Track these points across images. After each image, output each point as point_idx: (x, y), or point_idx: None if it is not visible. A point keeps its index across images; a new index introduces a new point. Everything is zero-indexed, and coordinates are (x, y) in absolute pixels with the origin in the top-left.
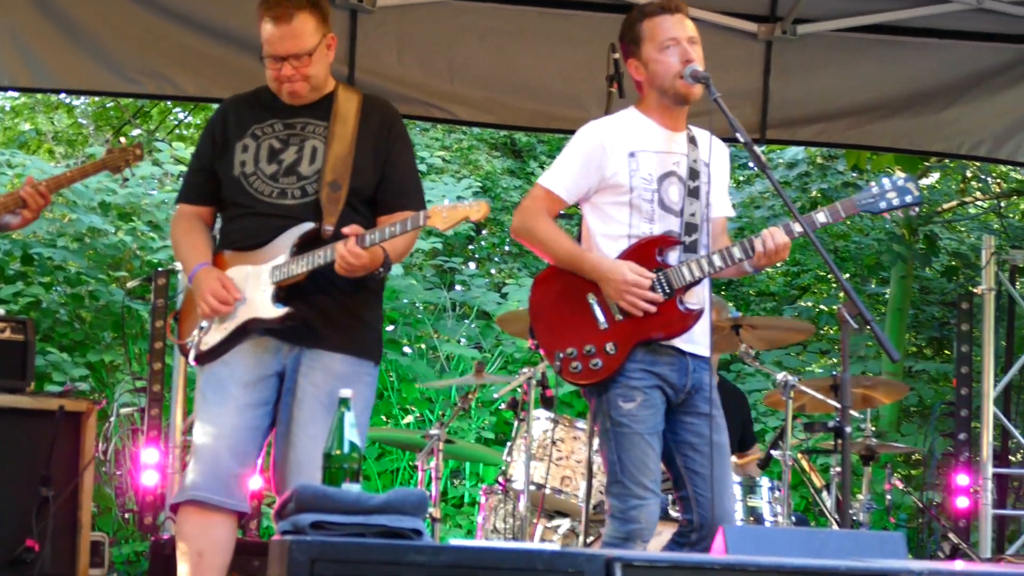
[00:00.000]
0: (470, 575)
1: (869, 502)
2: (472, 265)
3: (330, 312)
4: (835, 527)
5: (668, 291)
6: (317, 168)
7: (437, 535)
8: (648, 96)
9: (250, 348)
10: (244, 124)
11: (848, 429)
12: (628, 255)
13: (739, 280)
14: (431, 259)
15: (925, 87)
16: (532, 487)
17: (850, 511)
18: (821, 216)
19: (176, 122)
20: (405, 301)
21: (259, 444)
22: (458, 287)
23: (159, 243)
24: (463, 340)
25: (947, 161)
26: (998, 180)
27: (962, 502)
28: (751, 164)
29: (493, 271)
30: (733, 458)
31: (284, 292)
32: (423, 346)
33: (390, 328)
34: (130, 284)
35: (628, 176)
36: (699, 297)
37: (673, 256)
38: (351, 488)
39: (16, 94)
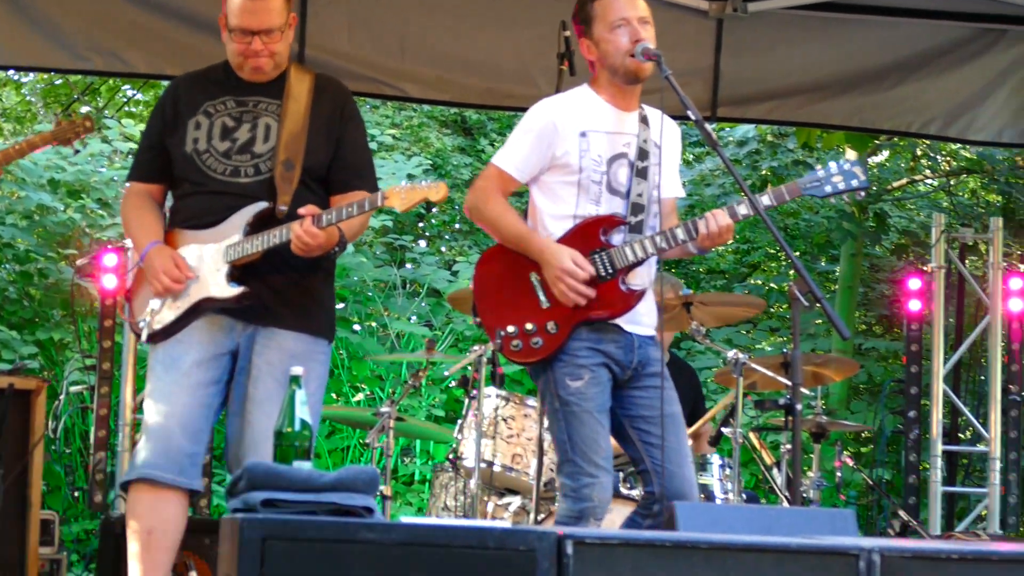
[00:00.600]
0: (421, 553)
1: (819, 479)
2: (422, 243)
3: (285, 291)
4: (785, 504)
5: (611, 271)
6: (271, 146)
7: (388, 513)
8: (600, 75)
9: (204, 326)
10: (196, 102)
11: (799, 406)
12: (573, 234)
13: (689, 258)
14: (381, 237)
15: (875, 65)
16: (483, 465)
17: (800, 488)
18: (765, 199)
19: (125, 100)
20: (355, 279)
21: (211, 422)
22: (408, 265)
23: (108, 220)
24: (413, 318)
25: (897, 139)
26: (948, 158)
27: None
28: (702, 142)
29: (444, 249)
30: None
31: (239, 271)
32: (373, 324)
33: (340, 306)
34: (79, 261)
35: (578, 156)
36: (642, 278)
37: (617, 237)
38: (302, 466)
39: None
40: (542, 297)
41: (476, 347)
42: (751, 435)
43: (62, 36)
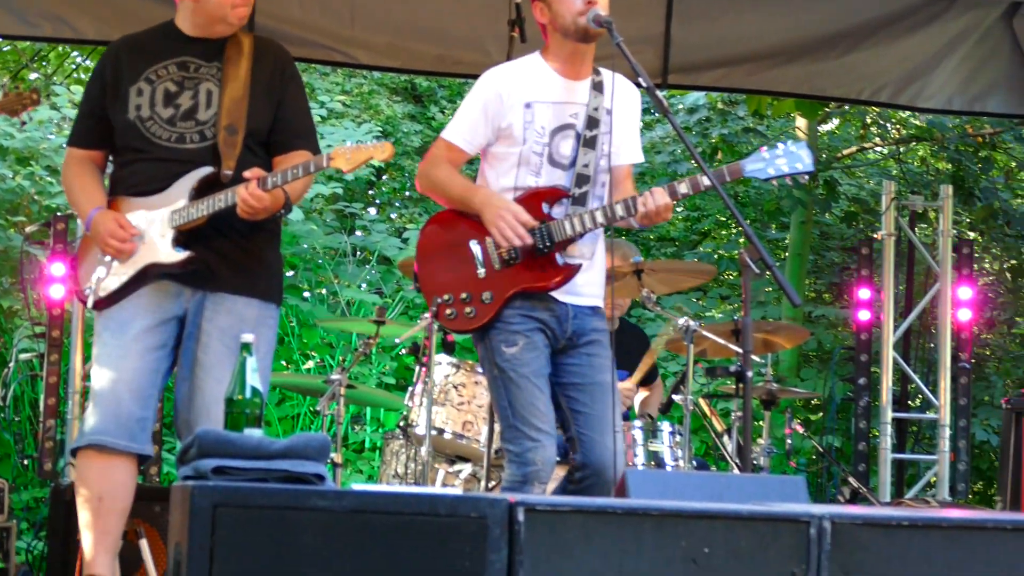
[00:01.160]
0: (372, 520)
1: (769, 446)
2: (372, 210)
3: (232, 255)
4: (736, 471)
5: (548, 244)
6: (214, 112)
7: (339, 480)
8: (552, 40)
9: (150, 292)
10: (137, 67)
11: (749, 374)
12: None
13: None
14: (331, 204)
15: (826, 32)
16: (433, 432)
17: (750, 455)
18: (706, 180)
19: (74, 66)
20: (305, 246)
21: (160, 388)
22: (358, 232)
23: (57, 188)
24: (364, 286)
25: (847, 107)
26: (897, 126)
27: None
28: (652, 109)
29: (394, 216)
30: (632, 391)
31: (184, 236)
32: (323, 291)
33: (290, 273)
34: (28, 229)
35: (522, 128)
36: (582, 251)
37: (560, 209)
38: (253, 433)
39: None
40: (479, 267)
41: (427, 314)
42: (701, 402)
43: (11, 2)
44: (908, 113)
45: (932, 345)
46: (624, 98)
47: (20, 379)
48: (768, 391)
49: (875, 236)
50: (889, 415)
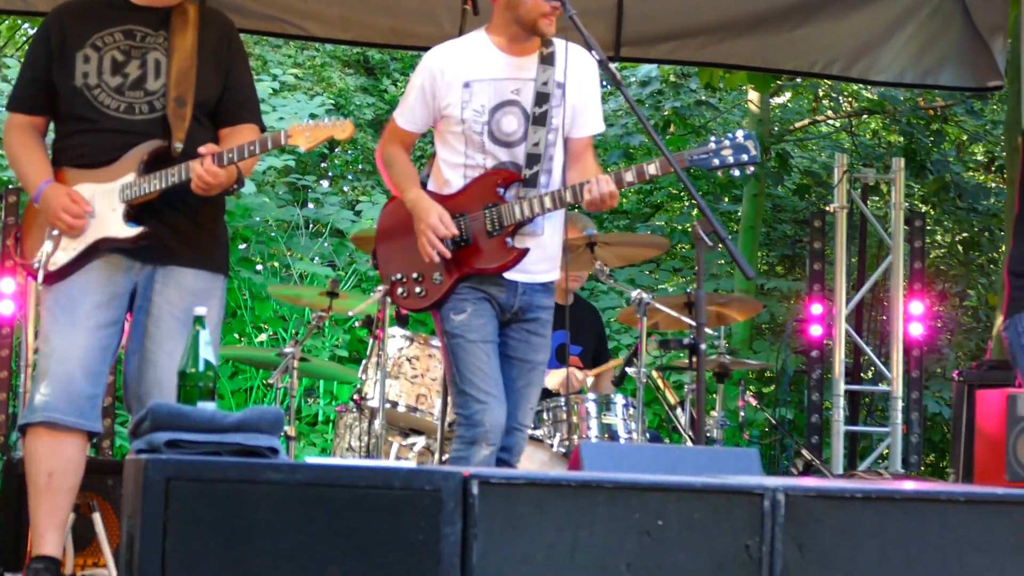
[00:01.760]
0: (326, 493)
1: (723, 419)
2: (325, 183)
3: (183, 229)
4: (689, 444)
5: (498, 228)
6: (163, 83)
7: (292, 453)
8: (498, 16)
9: (100, 267)
10: (83, 33)
11: (702, 346)
12: (471, 187)
13: None
14: (284, 177)
15: (778, 5)
16: (387, 405)
17: (704, 428)
18: (652, 168)
19: (25, 38)
20: (258, 219)
21: (110, 363)
22: (311, 205)
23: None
24: (316, 258)
25: (799, 80)
26: (849, 99)
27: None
28: (605, 82)
29: (347, 189)
30: (582, 375)
31: (135, 210)
32: (276, 264)
33: (243, 246)
34: None
35: (460, 108)
36: (533, 230)
37: (512, 192)
38: (206, 406)
39: None
40: None
41: (380, 287)
42: (655, 375)
43: None
44: (860, 86)
45: (884, 317)
46: (579, 68)
47: None
48: (721, 363)
49: (827, 209)
50: (842, 387)
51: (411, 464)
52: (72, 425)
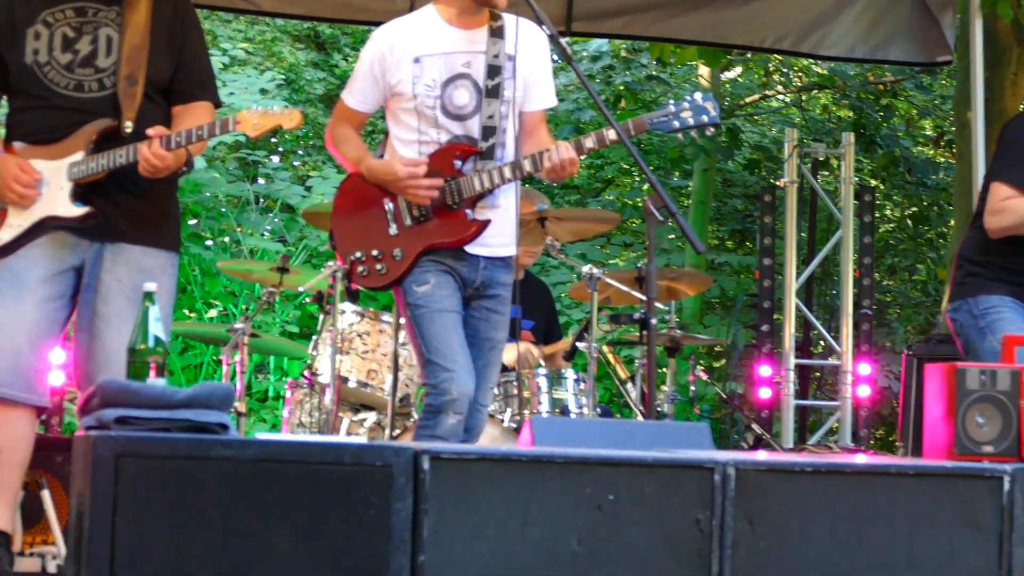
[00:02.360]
0: (277, 469)
1: (673, 393)
2: (275, 158)
3: (132, 208)
4: (640, 418)
5: (458, 201)
6: (114, 60)
7: (242, 429)
8: None
9: (47, 242)
10: (34, 9)
11: (653, 321)
12: (428, 163)
13: None
14: (234, 152)
15: None
16: (337, 380)
17: (655, 402)
18: (611, 133)
19: None
20: (208, 194)
21: (57, 338)
22: (261, 180)
23: None
24: (267, 234)
25: (750, 55)
26: (800, 74)
27: (764, 392)
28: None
29: (297, 164)
30: (537, 351)
31: (82, 189)
32: (226, 240)
33: (193, 222)
34: None
35: (411, 84)
36: (492, 202)
37: (470, 165)
38: (156, 383)
39: None
40: (392, 224)
41: (331, 262)
42: (605, 350)
43: None
44: (810, 61)
45: (834, 292)
46: (529, 42)
47: None
48: (672, 338)
49: (778, 184)
50: (792, 362)
51: (362, 440)
52: (21, 400)
